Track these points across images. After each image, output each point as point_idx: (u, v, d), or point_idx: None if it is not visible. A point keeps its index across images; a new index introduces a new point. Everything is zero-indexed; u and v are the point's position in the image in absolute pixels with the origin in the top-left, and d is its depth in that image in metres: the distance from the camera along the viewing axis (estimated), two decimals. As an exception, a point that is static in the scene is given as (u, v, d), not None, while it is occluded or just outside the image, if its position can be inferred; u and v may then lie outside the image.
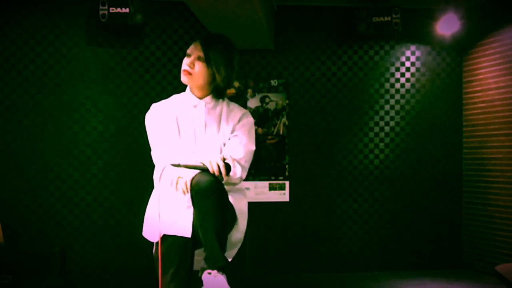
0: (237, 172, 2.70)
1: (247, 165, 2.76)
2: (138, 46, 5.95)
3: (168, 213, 2.69)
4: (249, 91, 6.14)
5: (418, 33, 6.32)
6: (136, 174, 5.87)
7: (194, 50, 2.71)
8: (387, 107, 6.33)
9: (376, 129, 6.31)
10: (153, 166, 6.29)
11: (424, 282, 5.70)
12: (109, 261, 5.83)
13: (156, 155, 2.76)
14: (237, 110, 2.81)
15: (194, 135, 2.75)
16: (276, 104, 6.17)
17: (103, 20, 5.47)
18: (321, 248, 6.21)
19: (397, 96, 6.34)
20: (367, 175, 6.29)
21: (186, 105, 2.79)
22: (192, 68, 2.69)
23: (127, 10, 5.47)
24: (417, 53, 6.36)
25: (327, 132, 6.25)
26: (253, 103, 6.12)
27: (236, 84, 6.11)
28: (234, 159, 2.68)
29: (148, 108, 2.89)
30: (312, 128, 6.24)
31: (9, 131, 5.72)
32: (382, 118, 6.32)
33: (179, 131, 2.75)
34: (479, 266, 6.12)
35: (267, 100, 6.16)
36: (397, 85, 6.34)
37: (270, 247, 6.13)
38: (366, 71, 6.31)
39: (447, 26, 6.05)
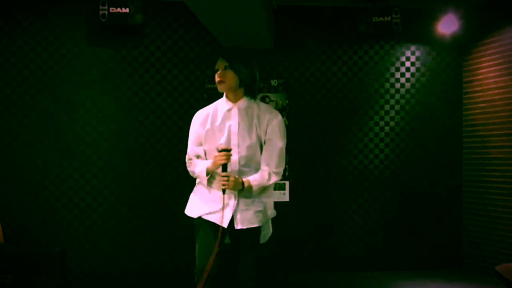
0: (271, 180, 3.33)
1: (281, 168, 3.34)
2: (138, 46, 5.95)
3: (211, 201, 3.28)
4: (249, 91, 6.13)
5: (418, 33, 6.32)
6: (136, 174, 5.87)
7: (220, 64, 3.30)
8: (387, 107, 6.33)
9: (376, 129, 6.31)
10: (152, 166, 6.27)
11: (424, 282, 5.71)
12: (109, 261, 5.83)
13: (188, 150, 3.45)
14: (266, 111, 3.34)
15: (229, 133, 3.27)
16: (276, 104, 6.17)
17: (103, 20, 5.48)
18: (321, 248, 6.21)
19: (397, 96, 6.34)
20: (367, 175, 6.29)
21: (223, 109, 3.34)
22: (223, 77, 3.28)
23: (127, 10, 5.47)
24: (417, 53, 6.36)
25: (327, 132, 6.26)
26: (253, 103, 6.11)
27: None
28: (268, 170, 3.30)
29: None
30: (312, 128, 6.24)
31: (9, 131, 5.72)
32: (382, 118, 6.32)
33: (214, 130, 3.30)
34: (479, 266, 6.12)
35: (267, 100, 6.16)
36: (397, 85, 6.34)
37: (270, 247, 6.11)
38: (366, 71, 6.31)
39: (447, 26, 6.05)
